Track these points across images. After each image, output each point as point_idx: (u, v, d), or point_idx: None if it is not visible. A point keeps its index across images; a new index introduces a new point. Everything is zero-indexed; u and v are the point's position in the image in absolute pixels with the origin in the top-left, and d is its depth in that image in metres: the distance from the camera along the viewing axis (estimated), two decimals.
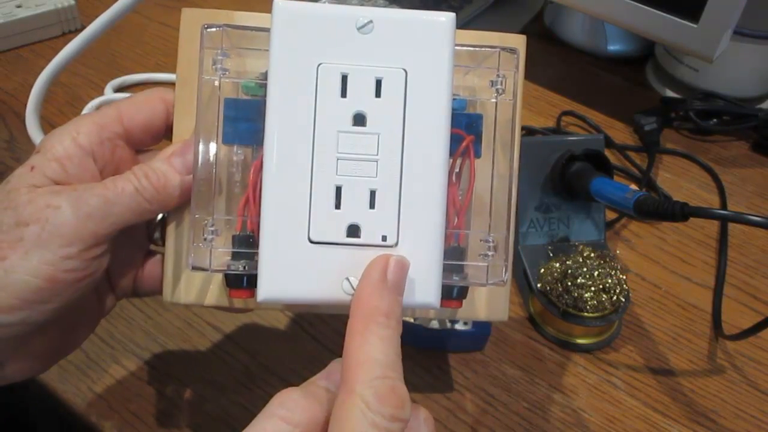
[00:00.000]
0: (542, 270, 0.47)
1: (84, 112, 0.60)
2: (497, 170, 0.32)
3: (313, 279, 0.28)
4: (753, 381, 0.46)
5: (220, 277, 0.33)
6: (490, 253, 0.31)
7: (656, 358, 0.47)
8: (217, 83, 0.31)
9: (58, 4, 0.69)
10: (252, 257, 0.31)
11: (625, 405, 0.44)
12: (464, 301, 0.32)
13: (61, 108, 0.63)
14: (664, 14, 0.56)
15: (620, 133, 0.65)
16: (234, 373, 0.44)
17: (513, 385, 0.45)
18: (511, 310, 0.49)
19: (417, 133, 0.28)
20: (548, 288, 0.46)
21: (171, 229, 0.33)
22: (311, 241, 0.28)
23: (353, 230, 0.28)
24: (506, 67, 0.31)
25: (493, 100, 0.31)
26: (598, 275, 0.46)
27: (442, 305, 0.30)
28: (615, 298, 0.45)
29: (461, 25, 0.74)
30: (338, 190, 0.28)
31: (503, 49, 0.31)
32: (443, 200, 0.29)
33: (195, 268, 0.31)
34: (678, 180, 0.61)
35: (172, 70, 0.75)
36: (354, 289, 0.28)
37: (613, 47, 0.73)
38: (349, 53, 0.29)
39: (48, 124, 0.61)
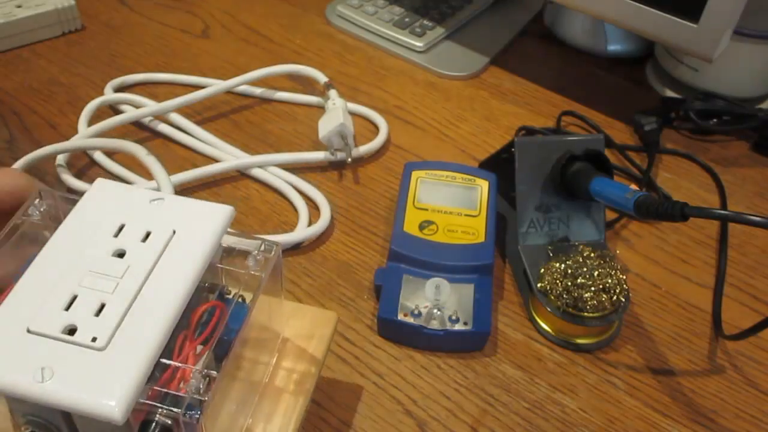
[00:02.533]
0: (542, 270, 0.47)
1: (84, 112, 0.60)
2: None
3: (14, 365, 0.28)
4: (753, 381, 0.46)
5: None
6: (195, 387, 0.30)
7: (656, 358, 0.47)
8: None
9: (58, 4, 0.69)
10: None
11: (625, 405, 0.44)
12: None
13: (61, 108, 0.63)
14: (664, 14, 0.55)
15: (620, 133, 0.65)
16: None
17: (513, 385, 0.45)
18: (511, 309, 0.49)
19: (164, 273, 0.31)
20: (548, 288, 0.46)
21: None
22: (29, 331, 0.29)
23: (71, 331, 0.29)
24: (261, 266, 0.34)
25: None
26: (598, 275, 0.46)
27: None
28: (615, 298, 0.45)
29: (461, 24, 0.74)
30: (74, 297, 0.30)
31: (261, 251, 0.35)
32: (165, 329, 0.29)
33: None
34: (678, 180, 0.61)
35: (172, 70, 0.75)
36: (45, 380, 0.27)
37: (613, 47, 0.73)
38: (136, 215, 0.33)
39: (48, 124, 0.61)
